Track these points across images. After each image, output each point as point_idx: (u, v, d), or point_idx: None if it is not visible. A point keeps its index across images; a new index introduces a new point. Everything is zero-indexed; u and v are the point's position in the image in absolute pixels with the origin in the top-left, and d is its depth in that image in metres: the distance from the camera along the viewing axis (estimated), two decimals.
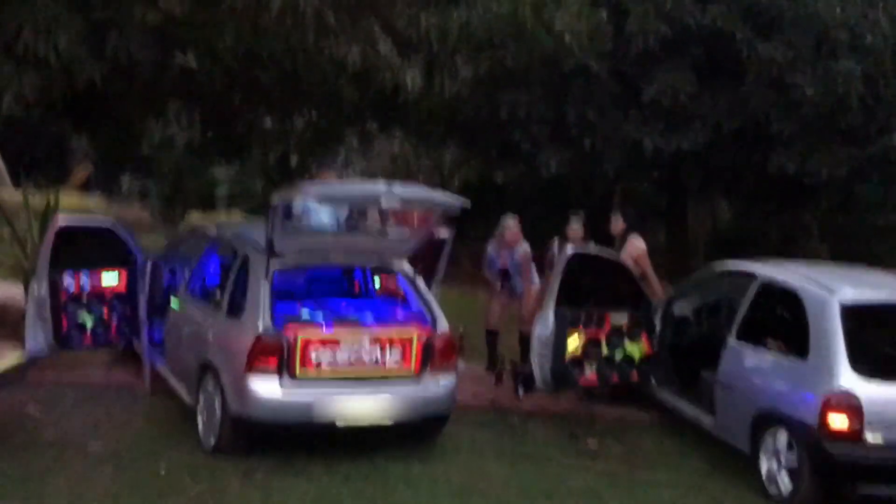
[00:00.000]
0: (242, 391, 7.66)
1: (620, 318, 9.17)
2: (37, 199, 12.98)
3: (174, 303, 9.16)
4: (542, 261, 10.91)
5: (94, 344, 9.53)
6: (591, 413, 9.71)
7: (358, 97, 13.98)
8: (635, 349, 9.27)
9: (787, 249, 26.93)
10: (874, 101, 14.30)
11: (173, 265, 9.98)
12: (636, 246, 10.25)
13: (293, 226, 8.54)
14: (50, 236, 9.20)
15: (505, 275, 10.99)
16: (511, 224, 10.89)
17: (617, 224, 10.50)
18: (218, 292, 8.60)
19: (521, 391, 10.03)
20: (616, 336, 9.14)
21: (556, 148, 15.94)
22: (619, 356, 9.17)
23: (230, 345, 7.93)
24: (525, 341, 10.83)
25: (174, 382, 8.96)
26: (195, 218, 24.52)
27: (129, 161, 31.62)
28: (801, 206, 18.93)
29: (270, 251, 7.89)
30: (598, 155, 15.98)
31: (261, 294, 7.84)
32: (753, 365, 8.41)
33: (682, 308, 9.79)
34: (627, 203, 11.05)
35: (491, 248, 11.09)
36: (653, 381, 9.45)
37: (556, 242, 10.79)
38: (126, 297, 9.52)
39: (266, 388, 7.63)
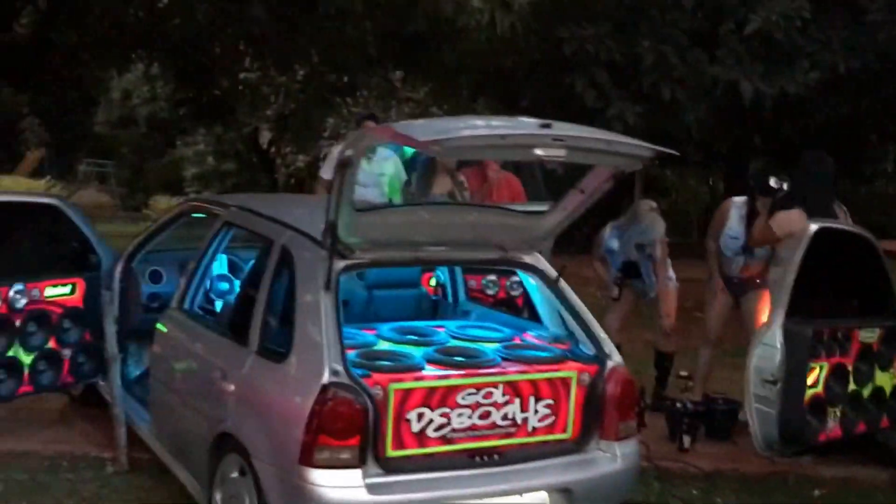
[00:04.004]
0: (297, 494, 4.29)
1: (870, 334, 5.85)
2: None
3: (162, 326, 5.71)
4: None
5: (34, 391, 6.09)
6: (804, 474, 6.40)
7: (382, 36, 10.61)
8: (886, 380, 5.97)
9: None
10: None
11: (158, 266, 6.58)
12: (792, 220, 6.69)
13: (365, 198, 5.15)
14: None
15: (629, 271, 7.62)
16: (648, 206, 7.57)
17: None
18: (239, 313, 5.16)
19: (685, 441, 6.74)
20: (866, 362, 5.82)
21: (629, 99, 12.56)
22: (867, 392, 5.88)
23: (269, 409, 4.54)
24: (663, 362, 7.62)
25: (167, 457, 5.55)
26: (162, 204, 20.89)
27: (84, 139, 28.33)
28: None
29: (334, 243, 4.53)
30: (679, 106, 12.65)
31: (321, 317, 4.46)
32: None
33: None
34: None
35: (610, 236, 7.68)
36: None
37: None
38: (85, 318, 6.11)
39: (340, 486, 4.26)
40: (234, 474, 4.67)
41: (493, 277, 7.12)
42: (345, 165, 4.33)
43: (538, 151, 4.33)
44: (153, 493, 5.61)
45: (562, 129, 4.38)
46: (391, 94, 14.58)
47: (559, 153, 4.35)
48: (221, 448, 4.78)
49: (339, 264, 4.62)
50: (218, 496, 4.82)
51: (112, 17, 9.20)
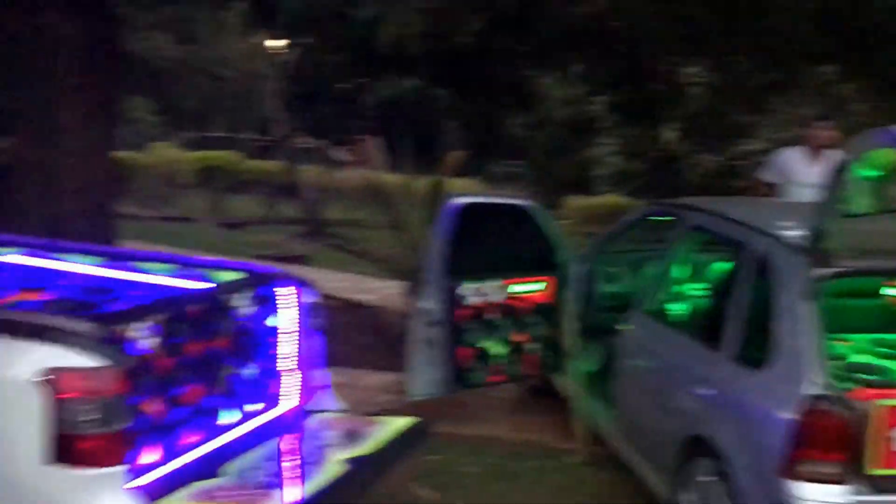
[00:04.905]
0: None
1: None
2: (416, 183, 10.09)
3: (627, 326, 5.88)
4: None
5: (504, 380, 6.53)
6: None
7: (826, 31, 10.20)
8: None
9: None
10: None
11: (613, 266, 6.77)
12: None
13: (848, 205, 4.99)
14: (445, 226, 6.20)
15: None
16: None
17: None
18: (710, 317, 5.20)
19: None
20: None
21: None
22: None
23: (748, 416, 4.54)
24: None
25: (628, 453, 5.70)
26: (576, 203, 21.36)
27: (502, 141, 29.44)
28: None
29: (819, 250, 4.45)
30: None
31: (804, 327, 4.40)
32: None
33: None
34: None
35: None
36: None
37: None
38: (551, 315, 6.43)
39: (825, 501, 4.16)
40: (707, 478, 4.71)
41: None
42: (841, 170, 4.24)
43: None
44: (617, 488, 5.78)
45: None
46: (821, 92, 13.94)
47: None
48: (693, 451, 4.83)
49: (824, 272, 4.52)
50: (687, 498, 4.88)
51: (560, 22, 9.53)
